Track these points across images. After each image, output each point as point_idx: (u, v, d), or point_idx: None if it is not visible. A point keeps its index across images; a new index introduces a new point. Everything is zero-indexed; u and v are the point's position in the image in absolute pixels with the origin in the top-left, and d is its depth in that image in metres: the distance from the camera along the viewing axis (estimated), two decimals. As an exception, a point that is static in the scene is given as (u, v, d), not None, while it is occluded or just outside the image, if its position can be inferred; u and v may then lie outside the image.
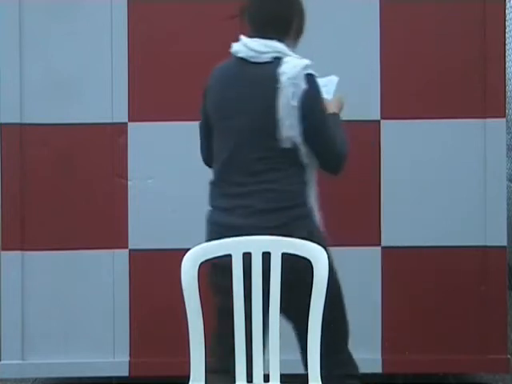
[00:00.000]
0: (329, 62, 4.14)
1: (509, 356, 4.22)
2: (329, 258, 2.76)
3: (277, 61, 2.83)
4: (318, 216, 2.96)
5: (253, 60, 2.85)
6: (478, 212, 4.18)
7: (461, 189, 4.19)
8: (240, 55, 2.88)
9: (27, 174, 4.18)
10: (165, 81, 4.20)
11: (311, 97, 2.83)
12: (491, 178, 4.17)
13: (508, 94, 5.49)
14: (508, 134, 5.75)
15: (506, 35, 4.27)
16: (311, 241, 2.76)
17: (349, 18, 4.17)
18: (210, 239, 2.89)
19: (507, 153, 4.66)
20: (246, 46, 2.86)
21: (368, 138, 4.17)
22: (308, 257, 2.73)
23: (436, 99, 4.19)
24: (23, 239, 4.18)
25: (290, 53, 2.88)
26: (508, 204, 4.67)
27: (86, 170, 4.20)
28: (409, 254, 4.20)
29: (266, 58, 2.84)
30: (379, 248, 4.20)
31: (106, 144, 4.20)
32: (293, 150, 2.86)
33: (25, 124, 4.17)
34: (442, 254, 4.19)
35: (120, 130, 4.19)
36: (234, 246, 2.75)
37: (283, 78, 2.78)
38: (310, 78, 2.83)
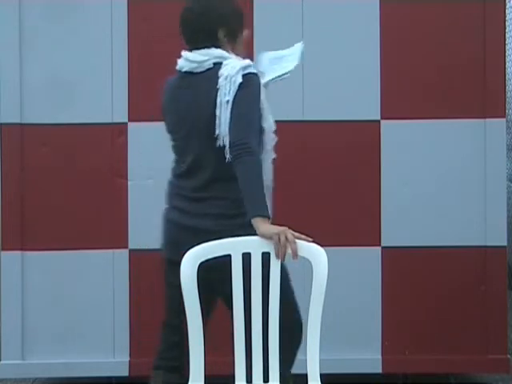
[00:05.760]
0: (329, 62, 4.16)
1: (509, 356, 4.22)
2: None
3: (218, 66, 2.93)
4: None
5: (196, 71, 2.97)
6: (477, 212, 4.18)
7: (461, 189, 4.19)
8: (184, 69, 3.00)
9: (27, 174, 4.18)
10: (165, 81, 4.19)
11: (244, 90, 2.85)
12: (491, 178, 4.17)
13: (508, 94, 5.49)
14: (508, 134, 5.76)
15: (506, 35, 4.27)
16: None
17: (349, 18, 4.17)
18: (165, 236, 3.04)
19: (507, 153, 4.66)
20: (188, 60, 2.99)
21: (368, 138, 4.18)
22: (307, 257, 2.74)
23: (436, 99, 4.19)
24: (23, 239, 4.18)
25: (230, 56, 2.96)
26: (508, 204, 4.68)
27: (85, 170, 4.20)
28: (409, 254, 4.20)
29: (208, 65, 2.95)
30: (379, 248, 4.19)
31: (105, 144, 4.20)
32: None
33: (25, 124, 4.17)
34: (442, 254, 4.19)
35: (120, 130, 4.19)
36: (233, 247, 2.76)
37: (221, 79, 2.88)
38: (248, 76, 2.88)
